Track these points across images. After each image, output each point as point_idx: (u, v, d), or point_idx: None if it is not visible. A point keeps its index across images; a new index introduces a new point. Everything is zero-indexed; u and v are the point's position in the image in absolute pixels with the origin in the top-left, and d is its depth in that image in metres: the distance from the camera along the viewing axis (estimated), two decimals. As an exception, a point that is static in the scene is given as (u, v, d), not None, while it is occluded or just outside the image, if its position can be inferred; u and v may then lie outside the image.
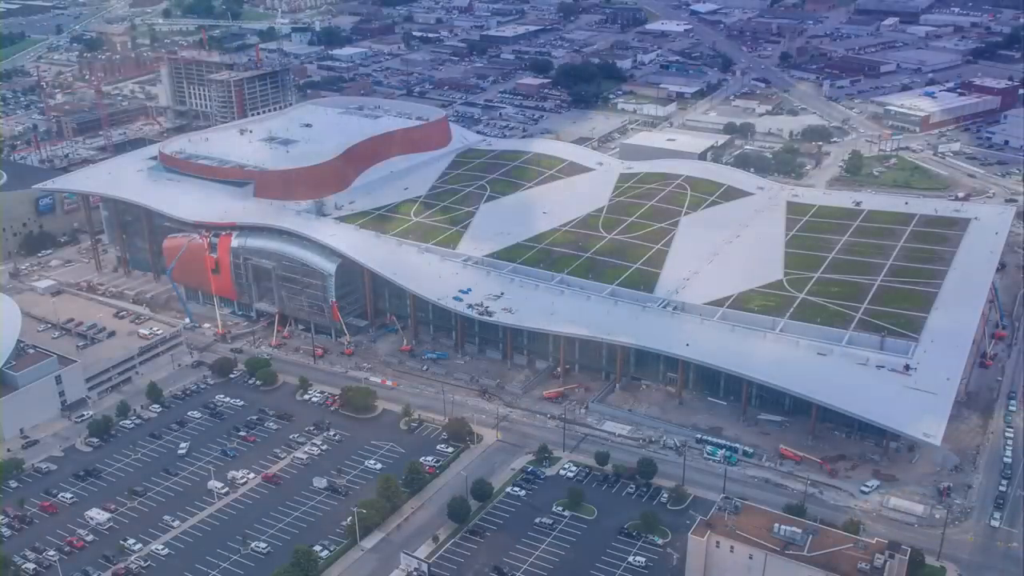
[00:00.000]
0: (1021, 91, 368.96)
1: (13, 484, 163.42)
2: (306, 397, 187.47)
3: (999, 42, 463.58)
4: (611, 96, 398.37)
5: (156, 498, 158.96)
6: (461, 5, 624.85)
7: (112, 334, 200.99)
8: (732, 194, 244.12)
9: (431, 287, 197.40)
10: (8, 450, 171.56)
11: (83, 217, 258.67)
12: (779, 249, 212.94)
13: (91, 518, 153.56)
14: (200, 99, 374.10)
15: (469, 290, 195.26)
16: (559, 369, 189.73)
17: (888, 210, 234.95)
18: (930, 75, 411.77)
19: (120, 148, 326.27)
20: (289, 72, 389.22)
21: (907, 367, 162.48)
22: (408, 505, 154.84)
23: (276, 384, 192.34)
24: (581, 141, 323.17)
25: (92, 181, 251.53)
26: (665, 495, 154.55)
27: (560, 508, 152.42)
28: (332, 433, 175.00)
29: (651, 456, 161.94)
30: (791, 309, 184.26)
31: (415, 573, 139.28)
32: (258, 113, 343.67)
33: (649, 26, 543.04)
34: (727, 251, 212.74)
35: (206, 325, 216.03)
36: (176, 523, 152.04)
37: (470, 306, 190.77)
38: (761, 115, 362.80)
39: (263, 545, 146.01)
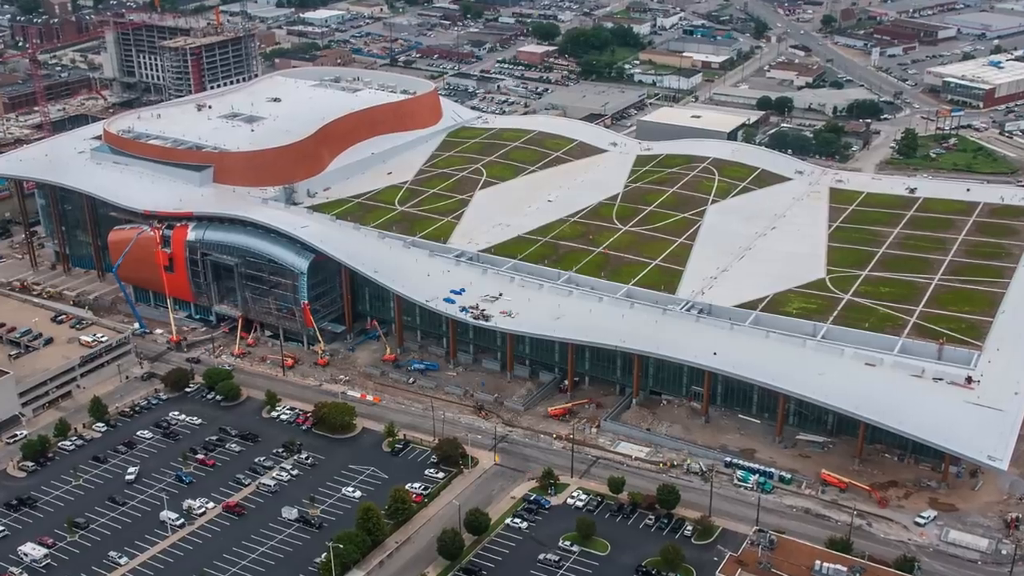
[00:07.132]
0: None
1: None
2: (274, 414, 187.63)
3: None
4: (626, 66, 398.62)
5: (100, 531, 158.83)
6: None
7: (50, 341, 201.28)
8: (766, 179, 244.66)
9: (418, 287, 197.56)
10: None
11: (15, 206, 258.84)
12: (821, 243, 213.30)
13: (25, 554, 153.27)
14: (151, 69, 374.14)
15: (463, 290, 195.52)
16: (566, 382, 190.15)
17: (947, 198, 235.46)
18: (995, 41, 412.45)
19: (59, 126, 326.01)
20: (254, 38, 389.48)
21: (969, 379, 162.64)
22: (392, 539, 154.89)
23: (239, 399, 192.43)
24: (592, 118, 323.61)
25: (26, 164, 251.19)
26: (689, 528, 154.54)
27: (568, 543, 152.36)
28: (304, 456, 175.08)
29: (673, 482, 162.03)
30: (835, 313, 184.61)
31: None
32: (218, 86, 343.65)
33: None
34: (761, 246, 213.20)
35: (158, 331, 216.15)
36: (124, 560, 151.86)
37: (464, 309, 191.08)
38: (800, 88, 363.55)
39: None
